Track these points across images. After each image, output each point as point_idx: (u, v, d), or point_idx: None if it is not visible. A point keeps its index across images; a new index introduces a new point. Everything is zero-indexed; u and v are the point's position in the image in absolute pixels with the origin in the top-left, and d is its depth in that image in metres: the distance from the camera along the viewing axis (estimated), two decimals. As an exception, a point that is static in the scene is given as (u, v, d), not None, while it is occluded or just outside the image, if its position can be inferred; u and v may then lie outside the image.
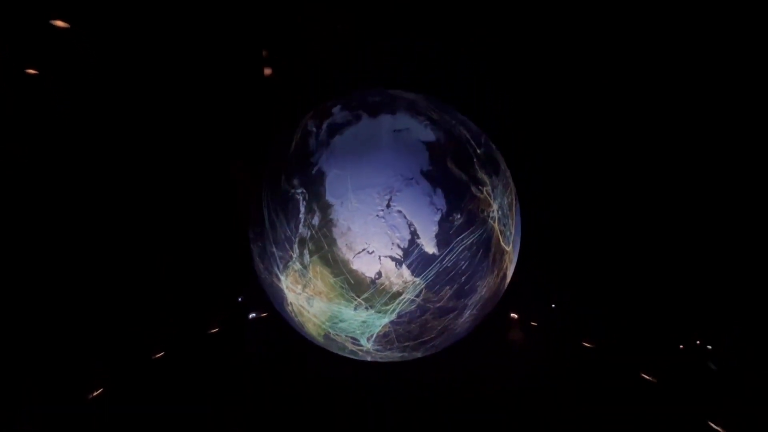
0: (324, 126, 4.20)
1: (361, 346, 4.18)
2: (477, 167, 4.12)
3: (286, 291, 4.16)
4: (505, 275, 4.44)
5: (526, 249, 5.24)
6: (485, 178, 4.13)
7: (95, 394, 6.37)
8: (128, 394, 6.34)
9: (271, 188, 4.22)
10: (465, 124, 4.45)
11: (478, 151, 4.25)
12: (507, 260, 4.36)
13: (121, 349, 6.81)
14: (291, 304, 4.21)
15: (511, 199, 4.47)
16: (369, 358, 4.38)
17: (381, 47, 6.58)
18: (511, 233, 4.36)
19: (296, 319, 4.32)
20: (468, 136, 4.31)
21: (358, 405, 5.64)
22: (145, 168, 6.80)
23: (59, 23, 5.48)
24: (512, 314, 7.16)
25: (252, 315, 7.40)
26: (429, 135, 4.06)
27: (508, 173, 4.64)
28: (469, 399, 5.63)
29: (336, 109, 4.35)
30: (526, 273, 5.35)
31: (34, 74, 5.39)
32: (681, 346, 5.40)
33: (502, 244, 4.22)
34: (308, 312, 4.12)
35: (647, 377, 5.29)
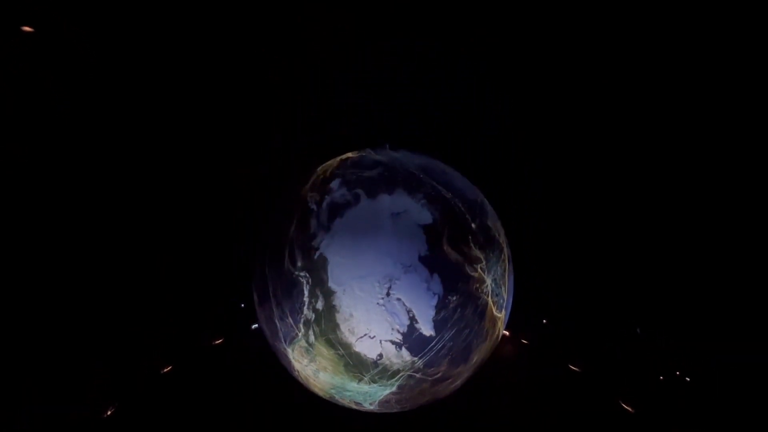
0: (324, 205, 4.32)
1: (364, 407, 4.53)
2: (472, 244, 4.31)
3: (292, 361, 4.45)
4: (497, 338, 4.74)
5: (521, 266, 5.55)
6: (479, 254, 4.33)
7: (109, 412, 6.77)
8: (140, 410, 6.74)
9: (274, 265, 4.39)
10: (461, 194, 4.58)
11: (473, 226, 4.42)
12: (499, 325, 4.64)
13: (128, 362, 7.13)
14: (298, 372, 4.52)
15: (505, 266, 4.69)
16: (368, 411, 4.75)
17: (381, 47, 6.50)
18: (503, 299, 4.62)
19: (303, 381, 4.64)
20: (464, 209, 4.46)
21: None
22: (145, 174, 6.82)
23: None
24: (504, 331, 7.57)
25: (255, 326, 7.71)
26: (426, 216, 4.21)
27: (503, 235, 4.82)
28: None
29: (335, 184, 4.46)
30: (521, 291, 5.66)
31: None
32: (661, 378, 5.84)
33: (495, 313, 4.49)
34: (314, 380, 4.43)
35: (626, 407, 5.77)
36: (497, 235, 4.70)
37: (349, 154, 5.07)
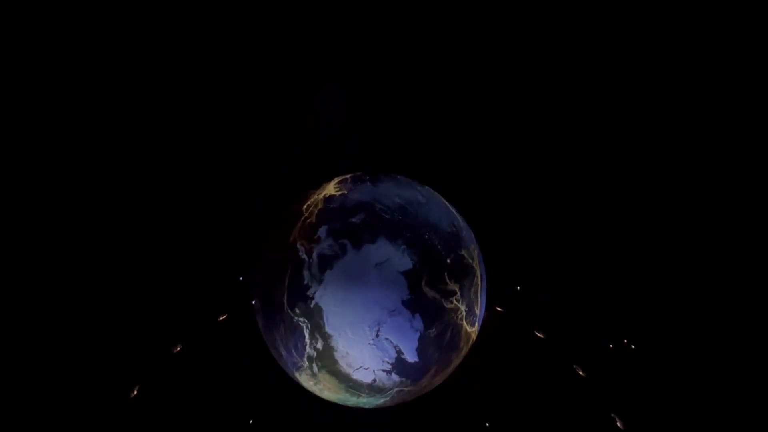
0: (314, 256, 4.80)
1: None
2: (447, 280, 4.92)
3: (300, 381, 5.27)
4: (471, 344, 5.57)
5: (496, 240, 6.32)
6: (454, 286, 4.97)
7: (133, 394, 7.71)
8: (159, 389, 7.65)
9: (275, 307, 4.98)
10: (437, 229, 5.07)
11: (448, 261, 4.99)
12: (473, 336, 5.45)
13: (138, 344, 7.89)
14: (305, 387, 5.37)
15: (477, 285, 5.36)
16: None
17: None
18: (476, 315, 5.37)
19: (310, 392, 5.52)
20: (440, 246, 4.99)
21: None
22: (146, 163, 6.96)
23: None
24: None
25: (254, 301, 8.48)
26: (406, 262, 4.74)
27: (476, 257, 5.42)
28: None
29: (322, 232, 4.88)
30: (496, 262, 6.44)
31: None
32: (611, 346, 6.93)
33: (468, 329, 5.26)
34: (320, 395, 5.31)
35: (579, 371, 6.92)
36: (471, 260, 5.29)
37: (331, 190, 5.40)
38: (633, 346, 6.84)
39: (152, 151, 5.99)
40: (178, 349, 8.41)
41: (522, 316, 8.23)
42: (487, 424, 6.78)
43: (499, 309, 8.64)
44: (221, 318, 9.00)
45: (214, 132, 6.04)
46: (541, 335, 7.90)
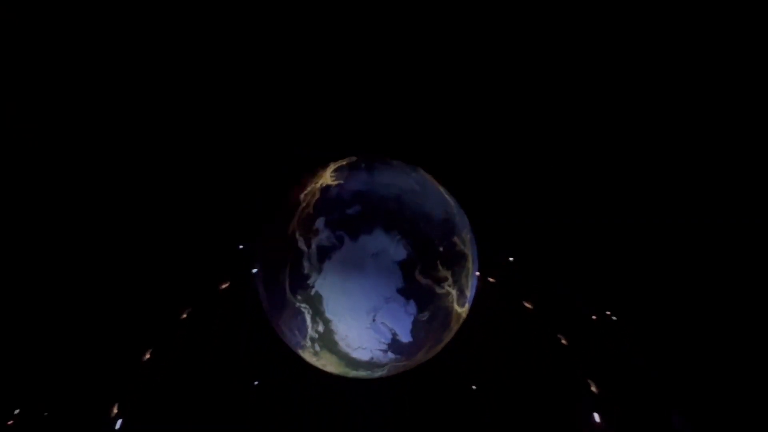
0: (313, 247, 5.05)
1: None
2: (440, 267, 5.22)
3: (303, 357, 5.71)
4: (462, 320, 5.98)
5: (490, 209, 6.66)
6: (447, 273, 5.28)
7: (146, 357, 8.24)
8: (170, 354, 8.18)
9: (278, 292, 5.30)
10: (431, 218, 5.29)
11: (441, 249, 5.26)
12: (463, 315, 5.84)
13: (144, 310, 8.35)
14: (308, 362, 5.82)
15: (468, 269, 5.67)
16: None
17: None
18: (467, 297, 5.73)
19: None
20: (433, 235, 5.24)
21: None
22: (145, 161, 7.15)
23: None
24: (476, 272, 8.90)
25: (255, 269, 8.86)
26: (401, 252, 5.01)
27: (468, 242, 5.69)
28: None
29: (320, 224, 5.11)
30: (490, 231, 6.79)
31: None
32: (594, 317, 7.41)
33: (458, 310, 5.65)
34: (322, 369, 5.77)
35: (563, 340, 7.44)
36: (463, 246, 5.57)
37: (328, 179, 5.55)
38: (614, 318, 7.33)
39: (152, 151, 6.06)
40: (185, 315, 8.89)
41: (512, 287, 8.68)
42: (474, 387, 7.41)
43: (491, 279, 9.08)
44: (224, 286, 9.37)
45: (214, 131, 6.08)
46: (529, 306, 8.39)
